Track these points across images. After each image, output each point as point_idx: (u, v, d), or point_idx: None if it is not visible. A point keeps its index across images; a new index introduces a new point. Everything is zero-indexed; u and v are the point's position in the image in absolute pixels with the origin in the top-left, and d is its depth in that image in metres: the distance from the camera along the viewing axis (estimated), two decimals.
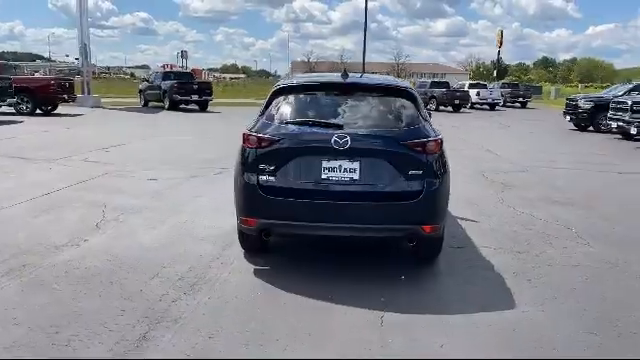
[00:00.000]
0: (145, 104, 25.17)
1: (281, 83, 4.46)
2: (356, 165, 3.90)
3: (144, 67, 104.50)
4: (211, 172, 8.52)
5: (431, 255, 4.51)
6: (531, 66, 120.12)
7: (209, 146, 11.96)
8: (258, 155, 4.02)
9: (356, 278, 4.13)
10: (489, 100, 31.52)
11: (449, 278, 4.28)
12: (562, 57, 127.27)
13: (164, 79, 24.05)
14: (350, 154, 3.87)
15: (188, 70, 40.58)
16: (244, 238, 4.48)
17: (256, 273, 4.21)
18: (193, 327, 3.25)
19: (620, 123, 14.32)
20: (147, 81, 26.46)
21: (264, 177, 4.00)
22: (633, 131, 13.73)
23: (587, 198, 7.31)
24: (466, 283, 4.11)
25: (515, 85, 37.85)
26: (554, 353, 3.08)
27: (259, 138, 4.02)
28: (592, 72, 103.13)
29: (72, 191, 6.94)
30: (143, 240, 4.95)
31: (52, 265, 4.24)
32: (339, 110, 4.17)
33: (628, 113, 13.94)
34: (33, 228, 5.27)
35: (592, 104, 17.16)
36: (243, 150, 4.16)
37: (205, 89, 23.59)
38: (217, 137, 13.74)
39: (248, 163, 4.07)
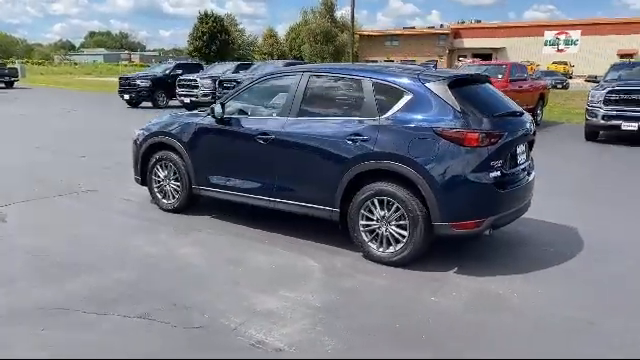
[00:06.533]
0: None
1: (442, 76, 4.11)
2: (523, 148, 4.35)
3: None
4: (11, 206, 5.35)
5: None
6: None
7: None
8: (490, 152, 3.84)
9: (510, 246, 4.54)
10: None
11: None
12: None
13: None
14: (525, 139, 4.31)
15: None
16: (419, 244, 3.94)
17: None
18: None
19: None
20: None
21: (494, 173, 3.88)
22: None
23: None
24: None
25: None
26: None
27: (489, 134, 3.81)
28: (10, 48, 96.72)
29: None
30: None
31: None
32: (496, 100, 4.36)
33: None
34: None
35: (150, 83, 19.08)
36: (459, 150, 3.76)
37: None
38: None
39: (479, 162, 3.81)
